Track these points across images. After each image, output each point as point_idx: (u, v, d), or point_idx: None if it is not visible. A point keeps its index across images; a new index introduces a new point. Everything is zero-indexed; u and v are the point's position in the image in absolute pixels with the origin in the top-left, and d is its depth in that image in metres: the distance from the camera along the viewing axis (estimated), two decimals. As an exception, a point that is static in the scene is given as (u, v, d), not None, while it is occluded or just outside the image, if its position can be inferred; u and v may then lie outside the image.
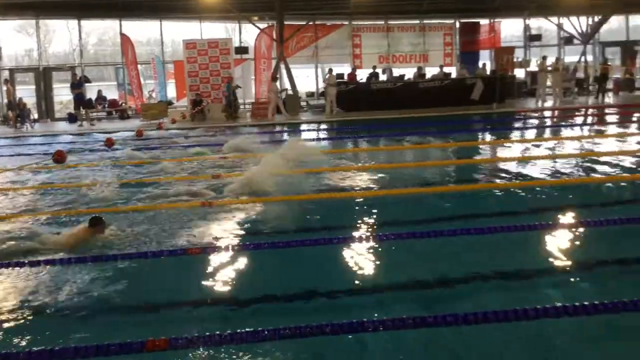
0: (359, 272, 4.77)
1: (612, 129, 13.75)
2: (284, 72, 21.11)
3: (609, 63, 22.15)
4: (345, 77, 21.19)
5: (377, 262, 4.95)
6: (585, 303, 3.66)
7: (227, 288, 4.54)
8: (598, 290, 4.31)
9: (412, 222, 6.13)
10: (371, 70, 21.77)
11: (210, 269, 4.84)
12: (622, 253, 5.00)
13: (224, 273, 4.78)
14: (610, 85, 21.64)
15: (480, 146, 11.95)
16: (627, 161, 9.29)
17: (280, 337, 3.38)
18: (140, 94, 21.71)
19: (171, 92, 22.65)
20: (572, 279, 4.56)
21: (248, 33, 22.67)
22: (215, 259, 5.03)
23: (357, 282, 4.59)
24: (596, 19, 23.50)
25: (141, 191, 7.62)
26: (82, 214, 6.45)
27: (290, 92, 20.70)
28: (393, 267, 4.87)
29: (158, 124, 17.33)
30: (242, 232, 5.90)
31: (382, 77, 21.81)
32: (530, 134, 13.94)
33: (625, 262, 4.84)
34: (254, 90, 21.64)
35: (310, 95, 23.40)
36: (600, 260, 4.86)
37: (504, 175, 8.63)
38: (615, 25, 25.29)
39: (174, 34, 25.73)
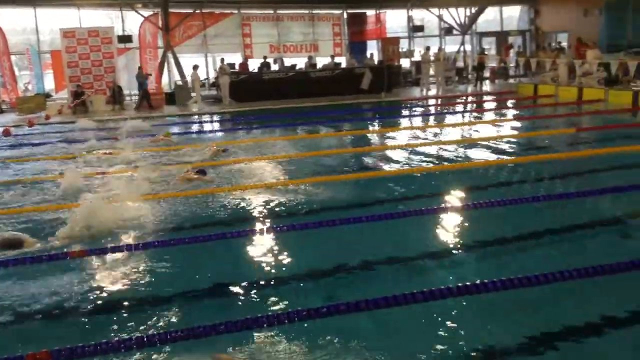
0: (255, 265, 4.73)
1: (490, 115, 14.67)
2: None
3: (486, 53, 23.60)
4: (237, 67, 20.93)
5: (274, 255, 4.94)
6: (467, 283, 3.90)
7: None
8: (485, 269, 4.60)
9: (306, 213, 6.15)
10: (262, 60, 21.64)
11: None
12: (506, 232, 5.35)
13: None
14: (487, 73, 23.07)
15: (372, 134, 12.30)
16: (505, 145, 10.00)
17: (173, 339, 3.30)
18: (14, 86, 20.08)
19: (49, 83, 21.16)
20: (461, 261, 4.80)
21: (132, 21, 21.64)
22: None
23: (252, 276, 4.53)
24: (473, 10, 24.90)
25: None
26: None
27: (179, 82, 20.08)
28: (289, 259, 4.87)
29: (28, 120, 15.85)
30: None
31: (274, 67, 21.75)
32: (418, 121, 14.55)
33: (508, 240, 5.19)
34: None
35: (201, 85, 22.79)
36: (485, 241, 5.17)
37: (394, 162, 8.96)
38: (490, 16, 26.91)
39: (53, 22, 23.96)
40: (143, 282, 4.47)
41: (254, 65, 21.65)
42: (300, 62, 21.97)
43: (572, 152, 8.95)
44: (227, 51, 21.89)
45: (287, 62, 22.70)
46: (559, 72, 18.42)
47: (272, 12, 23.06)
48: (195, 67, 19.17)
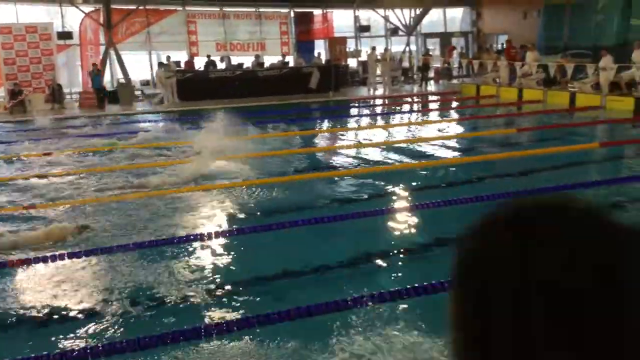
0: (197, 272, 4.66)
1: (435, 115, 15.00)
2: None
3: (430, 54, 24.09)
4: (182, 64, 20.57)
5: (223, 260, 4.88)
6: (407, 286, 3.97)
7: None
8: (426, 271, 4.63)
9: (254, 216, 6.11)
10: (207, 58, 21.34)
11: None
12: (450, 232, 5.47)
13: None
14: (431, 74, 23.54)
15: (321, 134, 12.33)
16: (450, 144, 10.23)
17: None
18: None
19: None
20: (406, 263, 4.86)
21: (72, 17, 20.89)
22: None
23: (197, 282, 4.46)
24: (418, 11, 25.34)
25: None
26: None
27: (122, 80, 19.56)
28: (235, 263, 4.82)
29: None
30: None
31: (221, 66, 21.48)
32: (366, 120, 14.70)
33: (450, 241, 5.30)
34: (81, 79, 20.05)
35: (145, 83, 22.29)
36: (426, 243, 5.27)
37: (341, 162, 8.98)
38: (435, 18, 27.43)
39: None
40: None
41: (200, 63, 21.31)
42: (248, 61, 21.77)
43: (514, 152, 9.23)
44: (172, 49, 21.42)
45: (234, 60, 22.46)
46: (500, 73, 18.99)
47: (218, 9, 22.76)
48: (161, 65, 18.74)
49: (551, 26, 19.60)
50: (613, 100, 14.34)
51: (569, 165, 8.36)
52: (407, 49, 25.37)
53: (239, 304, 4.07)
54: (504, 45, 23.69)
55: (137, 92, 20.38)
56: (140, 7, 21.04)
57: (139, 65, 22.08)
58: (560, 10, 19.02)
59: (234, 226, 5.71)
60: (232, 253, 5.12)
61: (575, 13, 18.38)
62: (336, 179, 7.77)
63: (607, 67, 14.74)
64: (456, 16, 27.61)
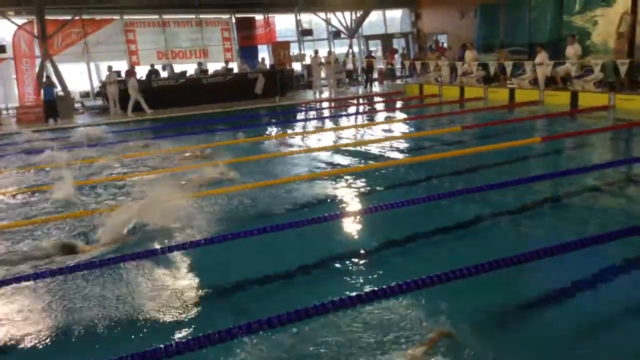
0: (157, 290, 4.55)
1: (381, 116, 15.18)
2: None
3: (373, 55, 24.40)
4: (123, 74, 20.04)
5: (173, 274, 4.78)
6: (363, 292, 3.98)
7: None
8: (375, 274, 4.66)
9: (205, 227, 5.99)
10: (149, 67, 20.91)
11: None
12: (399, 234, 5.54)
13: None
14: (375, 75, 23.83)
15: (269, 140, 12.23)
16: (398, 145, 10.37)
17: None
18: None
19: None
20: (358, 267, 4.85)
21: (5, 29, 19.99)
22: None
23: (157, 299, 4.36)
24: (359, 14, 25.60)
25: None
26: None
27: (60, 93, 18.90)
28: (196, 276, 4.74)
29: None
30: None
31: (164, 74, 21.09)
32: (313, 123, 14.71)
33: (398, 243, 5.37)
34: (17, 93, 19.24)
35: (85, 95, 21.63)
36: (374, 246, 5.31)
37: (291, 168, 8.95)
38: (374, 18, 27.72)
39: None
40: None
41: (141, 72, 20.83)
42: (191, 69, 21.46)
43: (462, 150, 9.44)
44: (111, 59, 20.87)
45: (177, 68, 22.10)
46: (442, 72, 19.43)
47: (157, 17, 22.33)
48: (132, 74, 18.32)
49: (487, 25, 20.19)
50: (550, 95, 14.90)
51: (514, 160, 8.62)
52: (351, 51, 25.59)
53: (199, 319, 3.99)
54: (443, 45, 24.33)
55: (77, 105, 19.75)
56: (76, 18, 20.42)
57: (77, 76, 21.47)
58: (496, 9, 19.61)
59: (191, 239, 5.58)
60: (189, 267, 5.01)
61: (510, 11, 18.99)
62: (286, 185, 7.69)
63: (543, 63, 15.31)
64: (396, 17, 28.05)
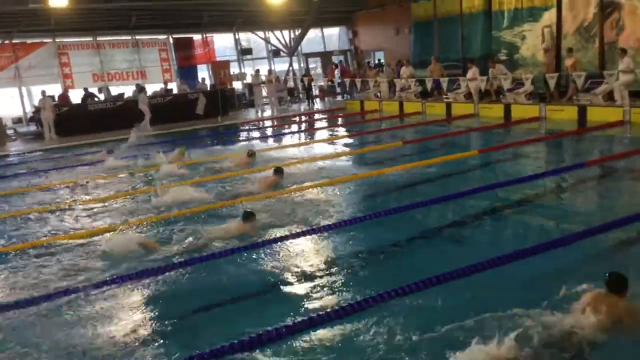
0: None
1: (324, 133, 15.31)
2: None
3: (312, 73, 24.64)
4: (56, 98, 19.40)
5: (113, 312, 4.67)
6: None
7: None
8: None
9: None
10: (84, 91, 20.38)
11: None
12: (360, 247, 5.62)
13: None
14: (316, 92, 24.07)
15: (212, 162, 12.04)
16: (342, 162, 10.47)
17: None
18: None
19: None
20: (302, 289, 4.89)
21: None
22: None
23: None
24: (297, 32, 25.82)
25: None
26: None
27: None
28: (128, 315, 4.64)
29: None
30: None
31: (100, 97, 20.58)
32: (257, 142, 14.60)
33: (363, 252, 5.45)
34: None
35: (17, 121, 20.78)
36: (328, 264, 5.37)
37: (233, 189, 8.78)
38: (312, 35, 27.98)
39: None
40: None
41: (76, 96, 20.23)
42: (129, 91, 21.02)
43: (404, 165, 9.63)
44: (44, 83, 20.17)
45: (114, 91, 21.61)
46: (381, 88, 19.85)
47: (91, 39, 21.80)
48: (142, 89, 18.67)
49: (422, 41, 20.77)
50: (485, 108, 15.48)
51: (454, 173, 8.89)
52: (291, 69, 25.76)
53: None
54: (380, 62, 24.87)
55: (9, 131, 18.97)
56: (7, 42, 19.69)
57: (8, 102, 20.68)
58: (429, 26, 20.23)
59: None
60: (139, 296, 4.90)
61: (443, 28, 19.64)
62: (223, 209, 7.56)
63: (474, 78, 15.90)
64: (334, 34, 28.47)
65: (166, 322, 4.38)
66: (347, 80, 22.29)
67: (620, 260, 4.98)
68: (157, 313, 4.59)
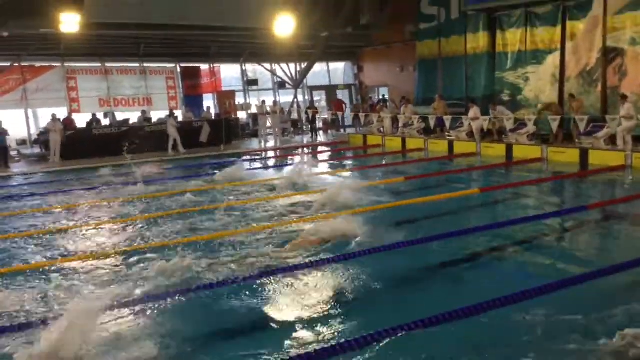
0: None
1: (326, 165, 15.35)
2: None
3: (316, 105, 24.88)
4: (62, 122, 19.52)
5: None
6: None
7: None
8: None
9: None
10: (90, 115, 20.55)
11: None
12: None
13: None
14: (320, 124, 24.26)
15: (214, 190, 12.04)
16: (344, 195, 10.43)
17: None
18: None
19: None
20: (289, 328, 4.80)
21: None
22: None
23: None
24: (303, 65, 26.15)
25: None
26: None
27: None
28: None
29: None
30: None
31: (105, 122, 20.75)
32: (259, 173, 14.59)
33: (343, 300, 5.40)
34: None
35: (21, 143, 20.89)
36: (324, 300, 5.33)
37: (232, 220, 8.76)
38: (318, 70, 28.33)
39: None
40: None
41: (81, 120, 20.39)
42: (134, 117, 21.20)
43: (404, 200, 9.63)
44: (50, 106, 20.35)
45: (120, 116, 21.79)
46: (384, 124, 20.00)
47: (99, 65, 22.09)
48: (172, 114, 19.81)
49: (426, 79, 21.01)
50: (487, 147, 15.56)
51: (455, 211, 8.89)
52: (296, 100, 26.00)
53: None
54: (384, 97, 25.14)
55: (13, 153, 19.07)
56: (15, 64, 19.96)
57: (13, 123, 20.77)
58: (434, 65, 20.50)
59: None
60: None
61: (448, 67, 19.89)
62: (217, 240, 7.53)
63: (476, 117, 16.05)
64: (339, 68, 28.82)
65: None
66: (340, 114, 22.67)
67: (623, 301, 4.91)
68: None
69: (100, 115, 21.27)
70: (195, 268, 6.17)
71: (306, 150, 19.51)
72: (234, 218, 8.72)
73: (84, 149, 17.79)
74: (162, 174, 14.26)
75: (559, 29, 15.93)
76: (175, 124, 19.28)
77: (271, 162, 16.74)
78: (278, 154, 18.46)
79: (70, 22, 15.96)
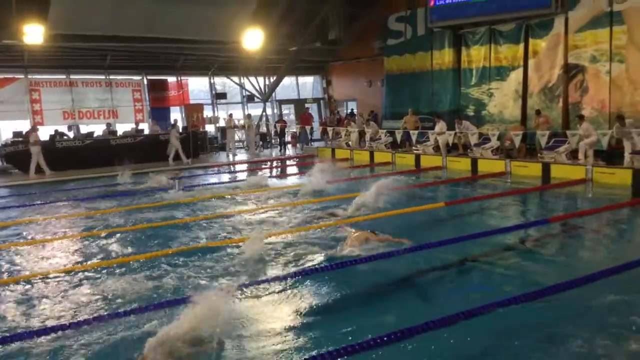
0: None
1: (296, 178, 15.33)
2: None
3: (285, 119, 24.92)
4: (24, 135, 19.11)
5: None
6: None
7: None
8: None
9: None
10: (54, 128, 20.14)
11: None
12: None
13: None
14: (288, 138, 24.27)
15: (176, 204, 11.93)
16: (311, 210, 10.45)
17: None
18: None
19: None
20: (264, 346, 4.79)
21: None
22: None
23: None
24: (272, 79, 26.19)
25: None
26: None
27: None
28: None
29: None
30: None
31: (70, 135, 20.35)
32: (228, 187, 14.48)
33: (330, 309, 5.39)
34: None
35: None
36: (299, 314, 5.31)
37: (202, 233, 8.77)
38: (287, 83, 28.38)
39: None
40: None
41: (43, 133, 19.97)
42: (99, 129, 20.87)
43: (372, 215, 9.65)
44: (12, 118, 19.94)
45: (84, 129, 21.42)
46: (351, 138, 20.13)
47: (64, 77, 21.71)
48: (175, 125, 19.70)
49: (394, 94, 21.27)
50: (452, 161, 15.79)
51: (420, 225, 8.96)
52: (264, 114, 25.98)
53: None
54: (353, 111, 25.33)
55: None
56: (-24, 76, 19.51)
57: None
58: (401, 80, 20.76)
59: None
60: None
61: (414, 82, 20.17)
62: (196, 253, 7.47)
63: (442, 131, 16.29)
64: (308, 82, 28.93)
65: None
66: (309, 128, 22.76)
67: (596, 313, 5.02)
68: None
69: (64, 129, 20.85)
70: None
71: (274, 164, 19.48)
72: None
73: (47, 162, 17.41)
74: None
75: (521, 46, 16.37)
76: (177, 134, 19.36)
77: (239, 176, 16.64)
78: (246, 168, 18.36)
79: (34, 34, 15.69)
